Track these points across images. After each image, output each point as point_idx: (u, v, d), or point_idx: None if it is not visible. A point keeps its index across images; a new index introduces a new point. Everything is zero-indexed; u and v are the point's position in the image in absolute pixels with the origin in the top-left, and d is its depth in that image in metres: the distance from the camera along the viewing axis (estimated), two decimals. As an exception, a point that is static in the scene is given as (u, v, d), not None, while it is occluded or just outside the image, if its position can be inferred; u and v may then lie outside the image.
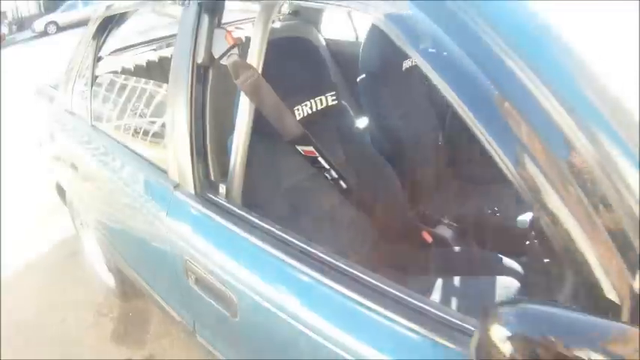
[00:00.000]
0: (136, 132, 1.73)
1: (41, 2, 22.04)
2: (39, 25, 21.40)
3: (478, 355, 0.58)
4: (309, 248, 0.95)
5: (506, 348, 0.54)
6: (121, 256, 1.92)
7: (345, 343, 0.83)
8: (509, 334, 0.54)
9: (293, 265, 0.95)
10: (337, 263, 0.89)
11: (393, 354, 0.78)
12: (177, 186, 1.29)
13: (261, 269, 1.03)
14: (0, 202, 3.69)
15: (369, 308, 0.81)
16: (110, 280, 2.42)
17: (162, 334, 2.20)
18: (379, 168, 1.44)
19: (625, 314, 0.59)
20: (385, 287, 0.81)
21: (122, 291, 2.36)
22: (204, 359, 1.50)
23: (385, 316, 0.79)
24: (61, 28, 21.55)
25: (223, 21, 1.27)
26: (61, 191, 2.54)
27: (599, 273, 0.60)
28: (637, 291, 0.57)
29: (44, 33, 20.72)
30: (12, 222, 3.49)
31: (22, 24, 25.53)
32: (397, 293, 0.80)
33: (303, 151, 1.25)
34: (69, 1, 23.98)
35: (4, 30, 22.16)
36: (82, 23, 15.31)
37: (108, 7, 1.91)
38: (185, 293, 1.29)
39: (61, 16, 22.52)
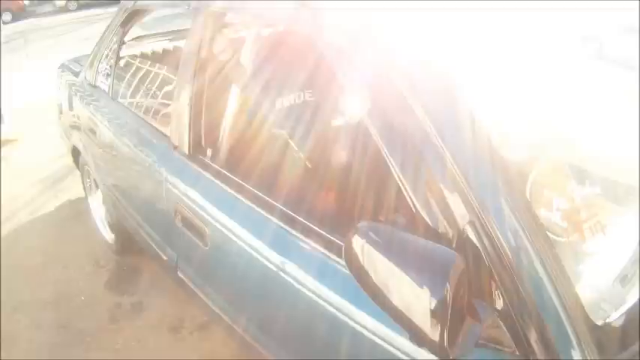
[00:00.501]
0: (147, 107, 2.13)
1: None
2: (60, 2, 22.00)
3: (346, 261, 0.94)
4: (264, 197, 1.34)
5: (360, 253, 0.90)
6: (123, 208, 2.29)
7: (279, 264, 1.23)
8: (363, 242, 0.90)
9: (252, 207, 1.33)
10: (283, 208, 1.28)
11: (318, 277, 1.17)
12: (175, 148, 1.68)
13: (229, 210, 1.41)
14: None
15: (298, 239, 1.20)
16: (110, 237, 2.82)
17: (151, 285, 2.60)
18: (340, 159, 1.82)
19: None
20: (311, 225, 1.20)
21: (119, 247, 2.75)
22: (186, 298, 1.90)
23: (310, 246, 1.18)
24: (81, 5, 22.19)
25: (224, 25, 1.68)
26: (75, 155, 2.93)
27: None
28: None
29: (65, 9, 21.29)
30: (26, 183, 3.92)
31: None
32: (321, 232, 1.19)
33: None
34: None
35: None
36: (101, 2, 15.85)
37: (135, 2, 2.31)
38: (172, 232, 1.67)
39: (82, -8, 23.16)
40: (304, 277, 1.17)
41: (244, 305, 1.47)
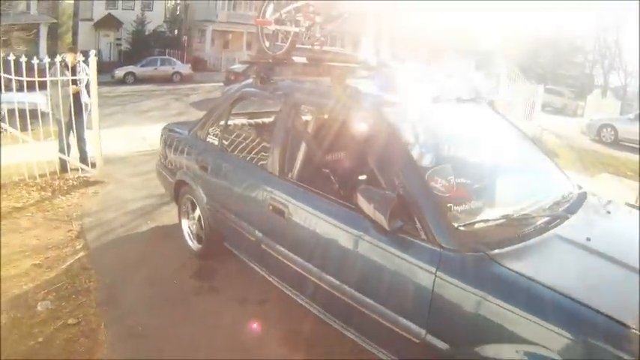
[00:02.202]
0: (248, 154, 3.69)
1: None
2: (119, 73, 25.11)
3: (356, 206, 2.41)
4: (314, 190, 2.83)
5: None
6: (223, 216, 3.67)
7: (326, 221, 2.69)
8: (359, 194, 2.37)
9: (308, 195, 2.86)
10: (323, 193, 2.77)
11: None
12: (270, 173, 3.14)
13: (298, 199, 2.88)
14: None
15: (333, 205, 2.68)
16: (195, 246, 4.24)
17: (225, 277, 3.96)
18: None
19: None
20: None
21: (204, 253, 4.16)
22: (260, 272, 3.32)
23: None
24: (137, 80, 25.30)
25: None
26: (177, 188, 4.39)
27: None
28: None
29: (122, 81, 24.27)
30: (119, 212, 5.46)
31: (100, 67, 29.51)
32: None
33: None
34: (150, 57, 28.10)
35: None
36: (157, 79, 18.59)
37: (242, 90, 3.93)
38: (263, 220, 3.11)
39: (139, 70, 26.47)
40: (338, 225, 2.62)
41: (307, 258, 2.86)
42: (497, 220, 2.38)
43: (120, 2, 33.76)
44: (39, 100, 8.09)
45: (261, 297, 3.67)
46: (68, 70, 6.58)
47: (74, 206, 5.64)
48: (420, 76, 3.40)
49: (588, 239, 2.33)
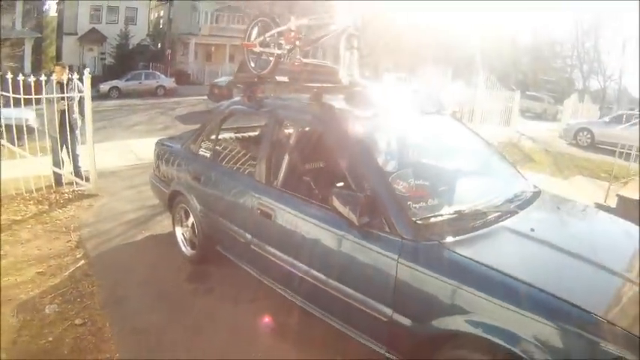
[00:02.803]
0: (236, 165, 4.09)
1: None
2: (104, 87, 25.42)
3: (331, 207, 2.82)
4: (298, 195, 3.26)
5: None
6: (216, 221, 4.05)
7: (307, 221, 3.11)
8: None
9: (292, 199, 3.27)
10: (304, 197, 3.20)
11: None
12: (258, 181, 3.54)
13: (283, 203, 3.28)
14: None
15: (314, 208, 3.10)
16: (189, 252, 4.63)
17: (219, 280, 4.33)
18: None
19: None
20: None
21: (197, 258, 4.54)
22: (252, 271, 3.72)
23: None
24: (122, 94, 25.68)
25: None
26: (172, 198, 4.76)
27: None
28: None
29: (107, 95, 24.58)
30: (114, 223, 5.83)
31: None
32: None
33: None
34: (134, 72, 28.53)
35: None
36: (141, 93, 19.13)
37: (230, 107, 4.35)
38: (253, 223, 3.49)
39: (124, 84, 26.88)
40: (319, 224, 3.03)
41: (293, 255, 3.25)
42: (451, 214, 2.83)
43: (104, 16, 34.08)
44: (27, 115, 8.39)
45: (251, 295, 4.04)
46: (61, 86, 6.94)
47: (71, 218, 5.98)
48: (387, 93, 3.81)
49: (532, 230, 2.79)
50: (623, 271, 2.55)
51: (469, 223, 2.78)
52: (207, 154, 4.38)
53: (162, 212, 5.75)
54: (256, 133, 4.97)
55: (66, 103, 6.92)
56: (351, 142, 3.06)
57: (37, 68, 11.16)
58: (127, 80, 27.61)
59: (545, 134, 18.84)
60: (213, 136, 4.42)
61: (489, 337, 2.23)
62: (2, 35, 18.79)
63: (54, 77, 6.78)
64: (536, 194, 3.50)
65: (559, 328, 2.09)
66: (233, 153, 4.31)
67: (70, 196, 6.82)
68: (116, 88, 26.34)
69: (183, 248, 4.74)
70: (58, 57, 27.03)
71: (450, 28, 31.33)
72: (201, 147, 4.50)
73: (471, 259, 2.43)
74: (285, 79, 3.93)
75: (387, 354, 2.75)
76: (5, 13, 21.65)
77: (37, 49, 25.94)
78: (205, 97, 20.12)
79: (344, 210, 2.72)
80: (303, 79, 3.81)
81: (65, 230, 5.56)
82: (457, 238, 2.61)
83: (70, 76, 7.04)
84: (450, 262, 2.46)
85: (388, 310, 2.65)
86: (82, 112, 7.11)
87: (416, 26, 26.35)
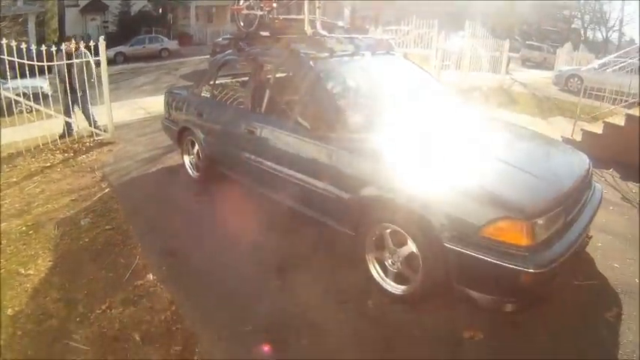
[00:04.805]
0: (231, 101, 5.15)
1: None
2: (109, 53, 26.04)
3: None
4: (271, 116, 4.37)
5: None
6: (216, 146, 5.13)
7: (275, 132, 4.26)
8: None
9: (269, 118, 4.38)
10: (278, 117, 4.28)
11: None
12: (249, 109, 4.63)
13: (264, 123, 4.38)
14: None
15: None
16: (195, 174, 5.74)
17: (215, 193, 5.41)
18: None
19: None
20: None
21: (201, 178, 5.65)
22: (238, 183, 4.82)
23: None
24: (127, 59, 26.65)
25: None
26: (181, 132, 5.80)
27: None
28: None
29: (113, 61, 25.46)
30: (131, 161, 6.94)
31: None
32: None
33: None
34: (138, 37, 29.36)
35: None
36: (146, 57, 20.08)
37: (225, 57, 5.38)
38: (242, 139, 4.56)
39: (128, 49, 27.80)
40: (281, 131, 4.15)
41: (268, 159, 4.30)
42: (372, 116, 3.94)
43: (104, -15, 34.64)
44: (42, 84, 9.50)
45: (243, 201, 5.14)
46: (69, 56, 7.98)
47: (94, 161, 7.11)
48: (342, 40, 4.77)
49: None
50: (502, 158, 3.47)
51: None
52: (208, 95, 5.45)
53: (172, 151, 6.88)
54: (245, 78, 6.05)
55: (75, 69, 7.96)
56: (309, 75, 4.09)
57: (42, 41, 11.88)
58: (132, 45, 28.54)
59: (540, 81, 19.56)
60: (212, 81, 5.48)
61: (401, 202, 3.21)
62: (5, 13, 19.67)
63: (63, 47, 7.88)
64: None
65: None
66: (228, 93, 5.37)
67: (91, 144, 7.96)
68: (121, 53, 27.25)
69: (190, 172, 5.87)
70: (61, 29, 27.77)
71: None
72: (203, 90, 5.56)
73: (381, 150, 3.46)
74: (267, 33, 4.95)
75: (347, 231, 3.71)
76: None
77: (41, 23, 26.73)
78: (208, 56, 20.93)
79: (303, 121, 3.80)
80: (279, 32, 4.85)
81: (90, 170, 6.68)
82: (377, 134, 3.62)
83: (77, 46, 8.04)
84: (368, 149, 3.51)
85: (340, 192, 3.63)
86: (90, 76, 8.14)
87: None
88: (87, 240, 4.61)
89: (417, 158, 3.36)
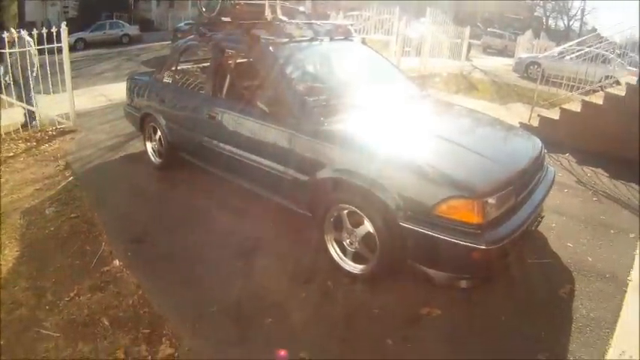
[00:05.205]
0: (192, 86, 5.19)
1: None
2: (69, 40, 25.50)
3: None
4: (231, 100, 4.46)
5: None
6: (177, 132, 5.18)
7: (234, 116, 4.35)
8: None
9: (228, 101, 4.49)
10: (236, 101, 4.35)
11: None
12: (208, 94, 4.70)
13: (224, 107, 4.47)
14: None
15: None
16: (157, 161, 5.78)
17: (175, 179, 5.49)
18: None
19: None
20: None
21: (163, 165, 5.70)
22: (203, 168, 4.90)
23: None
24: (88, 45, 26.10)
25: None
26: (143, 118, 5.81)
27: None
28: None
29: (73, 47, 24.87)
30: (94, 149, 6.92)
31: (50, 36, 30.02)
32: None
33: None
34: (99, 22, 28.74)
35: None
36: (106, 43, 19.75)
37: (186, 43, 5.43)
38: (204, 125, 4.66)
39: (89, 35, 27.21)
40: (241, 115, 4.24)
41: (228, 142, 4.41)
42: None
43: (63, -31, 33.79)
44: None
45: (203, 186, 5.27)
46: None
47: (57, 149, 7.05)
48: (302, 26, 4.86)
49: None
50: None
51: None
52: (170, 81, 5.47)
53: (134, 138, 6.91)
54: (207, 64, 6.09)
55: (18, 58, 7.78)
56: (269, 60, 4.18)
57: (1, 27, 11.54)
58: (92, 31, 27.82)
59: (500, 68, 20.01)
60: (174, 67, 5.49)
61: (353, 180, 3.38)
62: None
63: (5, 36, 7.71)
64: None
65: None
66: (190, 78, 5.41)
67: (54, 133, 7.87)
68: (81, 39, 26.49)
69: (153, 158, 5.91)
70: (21, 15, 26.94)
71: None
72: (165, 76, 5.58)
73: (338, 133, 3.60)
74: (228, 19, 4.99)
75: (307, 212, 3.86)
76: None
77: (0, 9, 25.91)
78: (169, 42, 20.69)
79: (262, 105, 3.88)
80: (241, 17, 4.90)
81: (53, 159, 6.63)
82: (334, 118, 3.75)
83: (18, 34, 7.84)
84: (325, 132, 3.62)
85: (296, 174, 3.77)
86: (31, 65, 7.95)
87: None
88: (53, 229, 4.62)
89: (373, 141, 3.50)
